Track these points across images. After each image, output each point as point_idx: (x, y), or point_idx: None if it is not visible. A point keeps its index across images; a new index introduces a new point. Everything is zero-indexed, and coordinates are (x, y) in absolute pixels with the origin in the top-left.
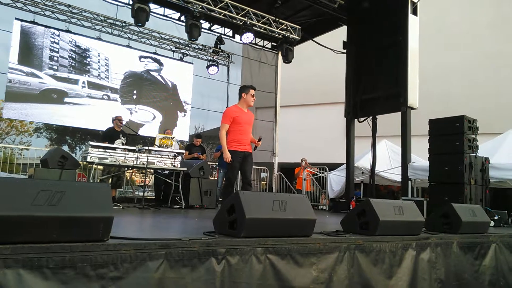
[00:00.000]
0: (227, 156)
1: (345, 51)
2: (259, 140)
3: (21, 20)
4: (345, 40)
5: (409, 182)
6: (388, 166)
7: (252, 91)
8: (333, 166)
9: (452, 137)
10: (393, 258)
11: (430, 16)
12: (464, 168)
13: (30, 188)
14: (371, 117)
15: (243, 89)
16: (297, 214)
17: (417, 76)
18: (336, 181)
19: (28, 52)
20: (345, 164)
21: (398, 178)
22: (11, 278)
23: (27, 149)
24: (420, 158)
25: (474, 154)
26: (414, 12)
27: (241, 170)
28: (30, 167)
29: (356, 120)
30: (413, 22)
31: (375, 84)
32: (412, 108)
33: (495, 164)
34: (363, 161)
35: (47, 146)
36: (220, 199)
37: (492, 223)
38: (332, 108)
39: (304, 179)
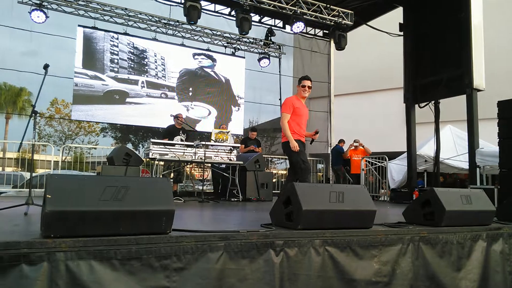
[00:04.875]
0: (295, 145)
1: (401, 33)
2: (316, 133)
3: (83, 27)
4: (401, 22)
5: (478, 169)
6: (454, 153)
7: (304, 82)
8: (393, 155)
9: None
10: (461, 250)
11: None
12: None
13: (97, 185)
14: (433, 102)
15: (298, 81)
16: (356, 205)
17: (482, 55)
18: (397, 170)
19: (91, 56)
20: (406, 153)
21: (465, 166)
22: (84, 269)
23: (95, 148)
24: (489, 143)
25: None
26: None
27: None
28: (98, 165)
29: (416, 105)
30: None
31: (436, 67)
32: (478, 90)
33: None
34: (426, 149)
35: (113, 145)
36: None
37: None
38: (389, 94)
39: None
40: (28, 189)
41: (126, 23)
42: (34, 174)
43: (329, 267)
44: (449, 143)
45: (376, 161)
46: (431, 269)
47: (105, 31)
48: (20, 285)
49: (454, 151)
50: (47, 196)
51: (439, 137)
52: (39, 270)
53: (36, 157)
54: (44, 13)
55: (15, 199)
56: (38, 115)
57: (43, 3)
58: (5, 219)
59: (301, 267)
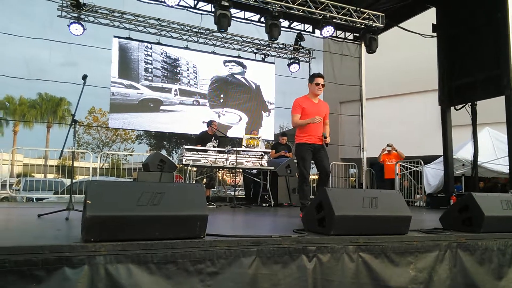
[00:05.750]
0: (311, 120)
1: (435, 34)
2: (325, 138)
3: (119, 37)
4: (435, 22)
5: None
6: (493, 156)
7: (317, 80)
8: (428, 159)
9: None
10: (502, 258)
11: None
12: None
13: (134, 190)
14: (469, 104)
15: (309, 79)
16: (390, 211)
17: None
18: (433, 175)
19: (126, 66)
20: (442, 157)
21: (505, 169)
22: (123, 272)
23: (131, 155)
24: None
25: None
26: None
27: (317, 163)
28: (134, 171)
29: (452, 107)
30: None
31: (472, 68)
32: None
33: None
34: (463, 152)
35: (148, 152)
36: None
37: None
38: (423, 97)
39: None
40: (68, 195)
41: (159, 33)
42: (74, 181)
43: (363, 273)
44: (488, 146)
45: (411, 165)
46: (470, 277)
47: (139, 41)
48: (62, 287)
49: (493, 154)
50: (88, 201)
51: (477, 140)
52: (80, 273)
53: (75, 164)
54: (82, 25)
55: (57, 205)
56: (77, 123)
57: (81, 16)
58: (48, 224)
59: (334, 273)
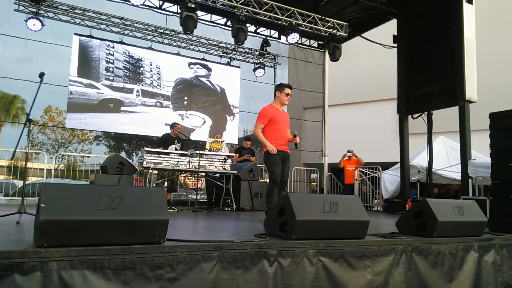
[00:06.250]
0: (272, 148)
1: (395, 45)
2: (295, 136)
3: (79, 35)
4: (395, 34)
5: (470, 180)
6: (446, 164)
7: (287, 90)
8: (386, 165)
9: None
10: (453, 261)
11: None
12: None
13: (91, 194)
14: (426, 113)
15: (278, 88)
16: (349, 216)
17: (474, 67)
18: (390, 180)
19: (86, 65)
20: (399, 163)
21: (458, 176)
22: (77, 279)
23: (88, 157)
24: (481, 154)
25: None
26: (469, 0)
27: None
28: (91, 173)
29: (409, 116)
30: (468, 11)
31: (429, 78)
32: (471, 102)
33: None
34: (419, 159)
35: (106, 153)
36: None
37: None
38: (383, 105)
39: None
40: (20, 198)
41: (122, 32)
42: (26, 182)
43: (322, 277)
44: (442, 154)
45: (369, 171)
46: (424, 280)
47: (101, 39)
48: None
49: (446, 162)
50: (41, 205)
51: (432, 148)
52: (32, 280)
53: (28, 165)
54: (40, 21)
55: (7, 208)
56: (31, 123)
57: (39, 12)
58: None
59: (294, 277)
